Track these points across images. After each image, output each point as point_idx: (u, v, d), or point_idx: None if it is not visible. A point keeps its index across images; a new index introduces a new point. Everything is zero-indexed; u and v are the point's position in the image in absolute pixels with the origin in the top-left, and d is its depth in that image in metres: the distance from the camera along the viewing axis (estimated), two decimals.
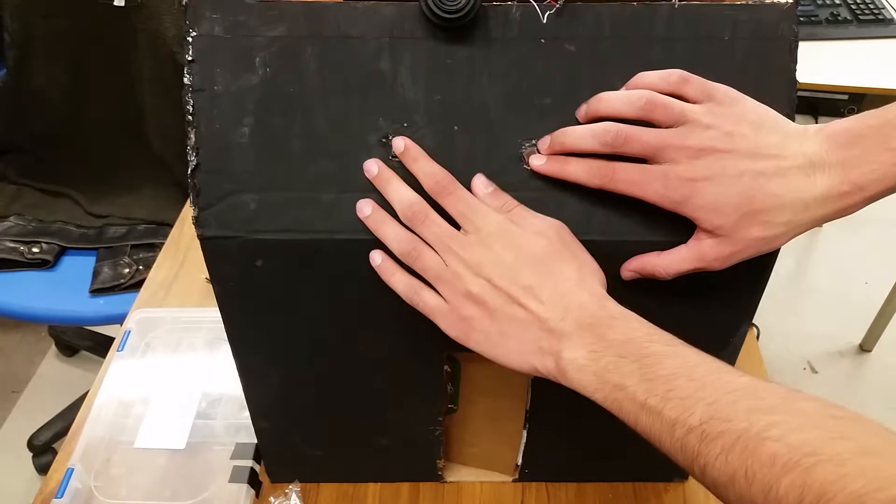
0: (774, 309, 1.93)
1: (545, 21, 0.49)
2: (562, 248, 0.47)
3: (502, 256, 0.46)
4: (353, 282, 0.51)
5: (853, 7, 1.46)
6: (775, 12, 0.49)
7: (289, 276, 0.52)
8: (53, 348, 1.77)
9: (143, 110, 1.23)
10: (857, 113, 1.19)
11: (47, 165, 1.32)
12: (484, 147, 0.50)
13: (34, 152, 1.33)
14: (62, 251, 1.26)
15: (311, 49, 0.48)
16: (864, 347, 1.84)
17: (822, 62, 1.33)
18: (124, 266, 1.21)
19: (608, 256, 0.49)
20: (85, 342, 1.68)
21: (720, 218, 0.45)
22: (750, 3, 0.49)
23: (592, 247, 0.49)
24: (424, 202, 0.48)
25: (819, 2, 1.49)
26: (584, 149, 0.47)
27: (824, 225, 2.13)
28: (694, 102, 0.46)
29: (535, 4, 0.48)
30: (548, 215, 0.48)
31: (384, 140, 0.49)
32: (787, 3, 0.49)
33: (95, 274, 1.21)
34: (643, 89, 0.46)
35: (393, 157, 0.49)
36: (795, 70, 0.49)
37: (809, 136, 0.45)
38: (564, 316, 0.45)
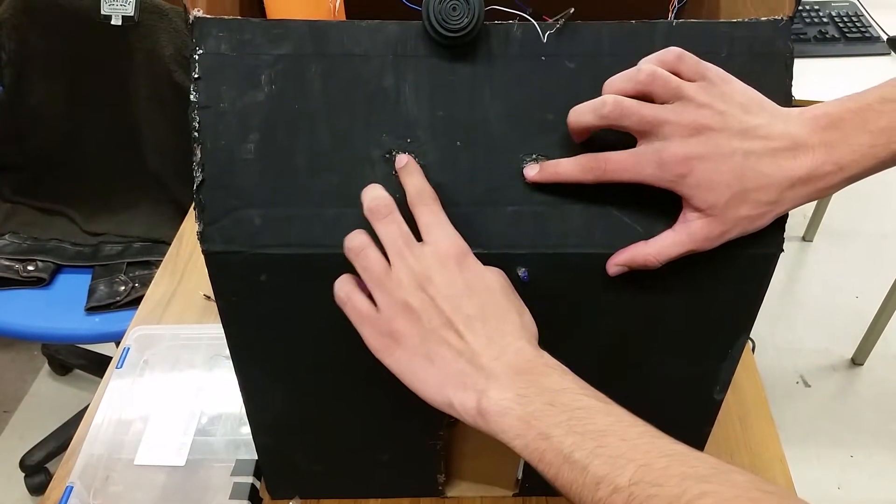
0: (766, 322, 1.95)
1: (546, 39, 0.49)
2: (511, 294, 0.47)
3: (454, 279, 0.45)
4: None
5: (840, 25, 1.48)
6: (771, 29, 0.50)
7: (292, 291, 0.52)
8: (46, 367, 1.76)
9: (140, 128, 1.24)
10: None
11: (43, 183, 1.32)
12: (486, 162, 0.50)
13: (30, 170, 1.33)
14: (57, 269, 1.26)
15: (316, 66, 0.49)
16: (856, 361, 1.85)
17: (810, 79, 1.35)
18: (120, 283, 1.21)
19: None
20: (78, 361, 1.67)
21: (713, 196, 0.45)
22: (746, 20, 0.50)
23: (595, 260, 0.49)
24: (392, 201, 0.46)
25: (807, 19, 1.51)
26: (584, 123, 0.47)
27: (815, 238, 2.16)
28: (688, 80, 0.46)
29: (535, 23, 0.49)
30: (551, 229, 0.49)
31: (387, 156, 0.50)
32: (782, 19, 0.50)
33: (91, 292, 1.21)
34: (646, 65, 0.46)
35: (396, 173, 0.49)
36: (791, 85, 0.50)
37: (793, 118, 0.46)
38: (499, 356, 0.43)
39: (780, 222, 0.49)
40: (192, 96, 0.48)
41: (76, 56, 1.21)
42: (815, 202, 2.11)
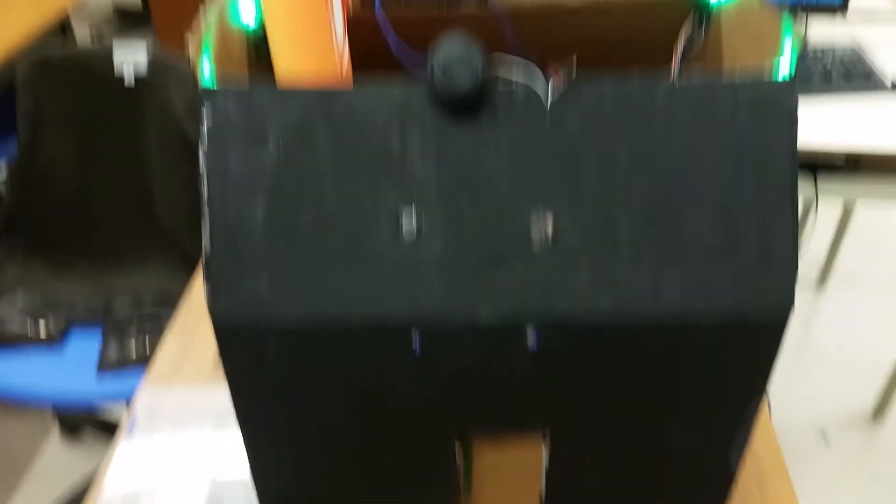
0: (782, 374, 1.92)
1: (549, 101, 0.50)
2: None
3: None
4: (366, 366, 0.51)
5: (843, 70, 1.49)
6: (774, 88, 0.50)
7: (301, 361, 0.52)
8: (56, 431, 1.75)
9: (152, 183, 1.26)
10: (855, 170, 1.19)
11: (56, 240, 1.34)
12: (492, 223, 0.50)
13: (43, 227, 1.34)
14: (68, 326, 1.26)
15: (323, 130, 0.50)
16: (877, 414, 1.81)
17: (817, 122, 1.35)
18: (131, 341, 1.21)
19: (619, 339, 0.49)
20: (89, 425, 1.66)
21: None
22: (749, 79, 0.51)
23: (604, 327, 0.49)
24: None
25: (811, 64, 1.52)
26: None
27: (828, 284, 2.13)
28: None
29: (538, 85, 0.50)
30: (559, 294, 0.49)
31: (394, 218, 0.50)
32: (785, 79, 0.50)
33: (102, 350, 1.21)
34: None
35: (403, 234, 0.50)
36: (796, 146, 0.50)
37: None
38: None
39: (790, 276, 0.49)
40: (200, 164, 0.49)
41: (89, 113, 1.23)
42: (828, 245, 2.10)
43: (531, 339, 0.50)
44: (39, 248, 1.35)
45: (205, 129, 0.49)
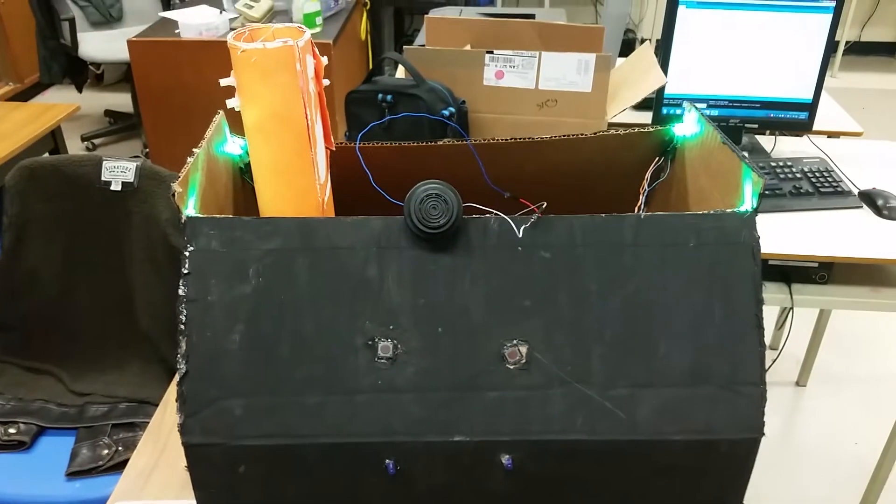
0: (764, 473, 1.90)
1: (521, 233, 0.52)
2: None
3: None
4: (339, 485, 0.51)
5: (813, 180, 1.55)
6: (737, 220, 0.53)
7: (271, 481, 0.51)
8: None
9: (133, 289, 1.26)
10: (827, 280, 1.21)
11: (33, 342, 1.32)
12: (467, 348, 0.51)
13: (21, 329, 1.33)
14: (40, 431, 1.24)
15: (303, 259, 0.51)
16: None
17: (789, 232, 1.40)
18: (104, 447, 1.18)
19: (593, 460, 0.50)
20: None
21: None
22: (712, 212, 0.53)
23: (579, 447, 0.49)
24: None
25: (781, 175, 1.58)
26: None
27: (808, 382, 2.14)
28: None
29: (510, 218, 0.52)
30: (533, 416, 0.49)
31: (370, 343, 0.51)
32: (746, 211, 0.53)
33: (73, 455, 1.18)
34: None
35: (379, 358, 0.50)
36: (759, 272, 0.52)
37: None
38: None
39: (759, 402, 0.50)
40: (180, 290, 0.50)
41: (75, 219, 1.25)
42: (805, 346, 2.12)
43: (506, 459, 0.51)
44: (16, 352, 1.34)
45: (186, 256, 0.50)
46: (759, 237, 0.53)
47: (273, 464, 0.50)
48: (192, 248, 0.50)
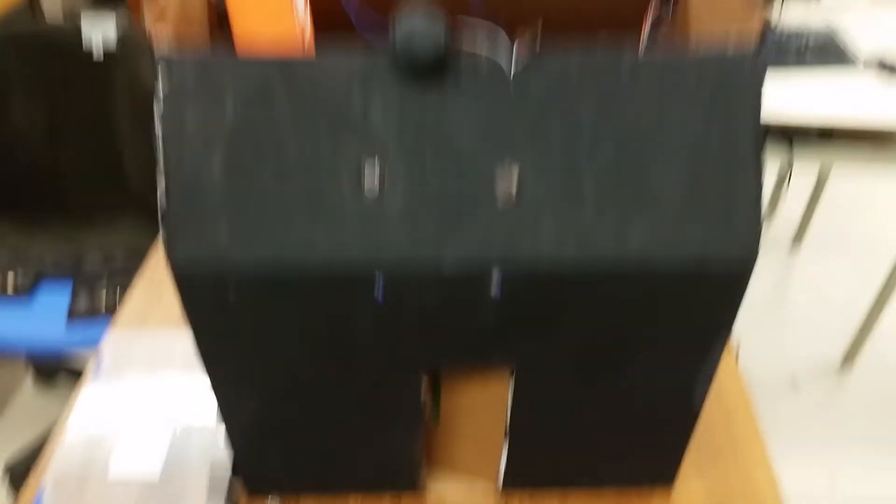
0: (755, 326, 1.95)
1: (513, 71, 0.49)
2: None
3: None
4: (328, 312, 0.51)
5: (818, 49, 1.49)
6: (740, 58, 0.50)
7: (262, 307, 0.51)
8: (30, 378, 1.75)
9: (122, 148, 1.24)
10: (829, 141, 1.20)
11: (26, 199, 1.31)
12: (456, 177, 0.50)
13: (13, 187, 1.32)
14: (38, 280, 1.25)
15: (282, 91, 0.49)
16: (846, 362, 1.85)
17: (791, 94, 1.36)
18: (102, 293, 1.20)
19: (583, 287, 0.49)
20: (64, 371, 1.65)
21: None
22: (714, 54, 0.50)
23: (568, 272, 0.49)
24: None
25: (786, 44, 1.52)
26: None
27: (802, 245, 2.16)
28: None
29: (503, 53, 0.49)
30: (523, 241, 0.49)
31: (356, 171, 0.49)
32: (751, 50, 0.50)
33: (72, 301, 1.20)
34: None
35: (364, 186, 0.49)
36: (760, 115, 0.50)
37: None
38: None
39: (755, 225, 0.49)
40: (156, 128, 0.47)
41: (58, 82, 1.21)
42: (802, 209, 2.12)
43: (495, 286, 0.50)
44: (9, 206, 1.33)
45: (161, 94, 0.48)
46: (764, 69, 0.50)
47: (261, 289, 0.50)
48: (165, 86, 0.48)
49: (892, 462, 1.65)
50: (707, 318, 0.54)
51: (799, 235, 2.17)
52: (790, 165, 1.35)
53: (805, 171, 2.00)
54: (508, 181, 0.49)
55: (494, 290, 0.50)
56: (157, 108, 0.48)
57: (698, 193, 0.50)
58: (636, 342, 0.55)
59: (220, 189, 0.48)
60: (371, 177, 0.49)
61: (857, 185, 2.39)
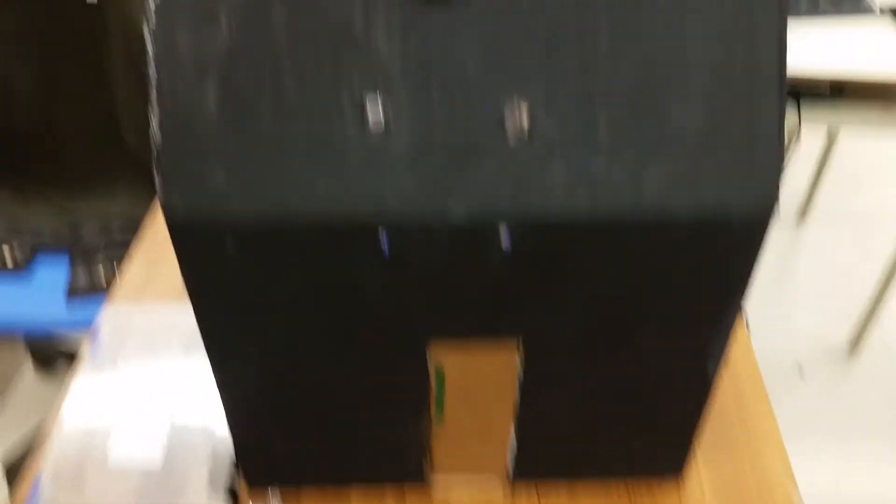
0: (761, 306, 1.93)
1: None
2: None
3: None
4: (332, 266, 0.49)
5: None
6: None
7: (261, 261, 0.49)
8: (30, 364, 1.73)
9: (117, 107, 1.21)
10: (840, 98, 1.17)
11: (19, 165, 1.29)
12: (464, 113, 0.47)
13: (5, 152, 1.30)
14: (34, 253, 1.23)
15: (280, 9, 0.46)
16: (853, 347, 1.83)
17: (802, 45, 1.33)
18: (100, 268, 1.18)
19: (596, 237, 0.47)
20: (62, 357, 1.64)
21: None
22: None
23: (579, 221, 0.47)
24: None
25: None
26: None
27: (807, 219, 2.14)
28: None
29: None
30: (532, 185, 0.46)
31: (358, 103, 0.47)
32: None
33: (71, 277, 1.18)
34: None
35: (368, 121, 0.47)
36: (785, 33, 0.48)
37: None
38: None
39: (776, 169, 0.47)
40: (147, 47, 0.45)
41: (50, 31, 1.18)
42: (808, 181, 2.09)
43: (504, 238, 0.48)
44: (4, 172, 1.30)
45: (152, 7, 0.45)
46: None
47: (260, 240, 0.48)
48: (157, 2, 0.45)
49: None
50: (724, 273, 0.52)
51: (805, 209, 2.15)
52: (799, 125, 1.32)
53: (812, 135, 1.96)
54: (519, 120, 0.47)
55: (504, 241, 0.48)
56: (148, 24, 0.45)
57: (719, 130, 0.47)
58: (650, 299, 0.53)
59: (217, 124, 0.46)
60: (375, 110, 0.47)
61: (864, 153, 2.35)
